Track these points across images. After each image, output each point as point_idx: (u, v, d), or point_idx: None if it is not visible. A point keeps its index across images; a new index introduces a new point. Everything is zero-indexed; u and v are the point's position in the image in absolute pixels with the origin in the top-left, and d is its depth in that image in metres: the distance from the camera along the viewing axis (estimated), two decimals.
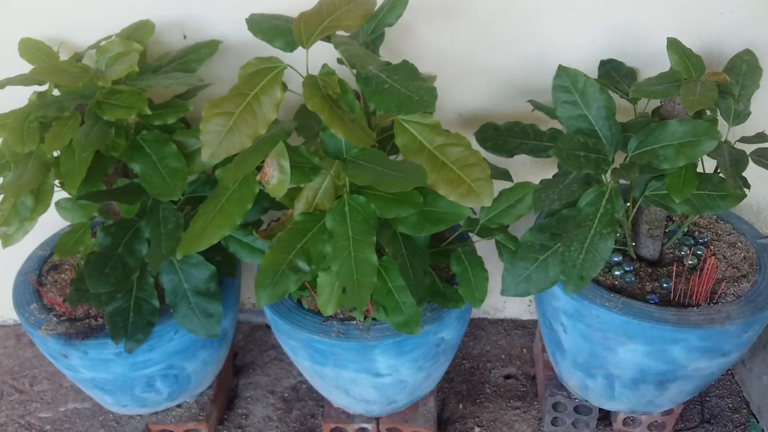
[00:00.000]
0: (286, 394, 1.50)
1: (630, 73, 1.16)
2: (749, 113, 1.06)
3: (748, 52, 1.09)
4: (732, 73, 1.06)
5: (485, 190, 0.88)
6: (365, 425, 1.30)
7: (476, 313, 1.68)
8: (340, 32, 0.93)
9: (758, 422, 1.37)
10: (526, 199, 1.06)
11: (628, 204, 1.13)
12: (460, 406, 1.45)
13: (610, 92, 1.06)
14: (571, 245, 0.91)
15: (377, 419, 1.30)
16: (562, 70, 0.99)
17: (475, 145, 0.98)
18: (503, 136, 1.11)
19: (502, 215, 1.07)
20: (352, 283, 0.92)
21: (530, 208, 1.02)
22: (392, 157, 0.93)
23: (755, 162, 1.03)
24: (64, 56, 1.20)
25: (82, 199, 0.99)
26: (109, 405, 1.30)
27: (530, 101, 1.17)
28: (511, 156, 1.09)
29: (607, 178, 0.96)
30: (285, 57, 0.92)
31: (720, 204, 0.96)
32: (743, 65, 1.07)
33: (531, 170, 1.36)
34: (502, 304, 1.66)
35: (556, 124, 1.10)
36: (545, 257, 0.98)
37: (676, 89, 0.93)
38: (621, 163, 0.96)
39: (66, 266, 1.28)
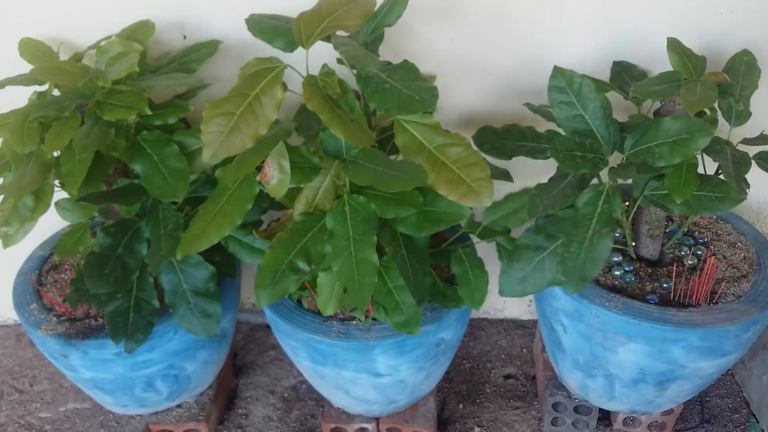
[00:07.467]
0: (286, 394, 1.50)
1: (642, 76, 1.16)
2: (750, 114, 1.06)
3: (746, 53, 1.08)
4: (731, 73, 1.06)
5: (485, 189, 0.88)
6: (365, 425, 1.30)
7: (476, 313, 1.68)
8: (340, 32, 0.93)
9: (758, 422, 1.37)
10: None
11: (627, 204, 1.13)
12: (460, 406, 1.45)
13: (617, 93, 1.05)
14: (571, 246, 0.90)
15: (377, 419, 1.30)
16: (557, 71, 0.98)
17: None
18: (501, 138, 1.11)
19: (507, 218, 1.07)
20: (353, 283, 0.92)
21: None
22: (392, 157, 0.93)
23: (759, 166, 1.03)
24: (64, 56, 1.20)
25: (82, 201, 0.99)
26: (109, 405, 1.30)
27: (526, 104, 1.17)
28: (510, 158, 1.09)
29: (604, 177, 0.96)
30: (285, 57, 0.92)
31: (719, 206, 0.95)
32: (742, 66, 1.07)
33: (530, 172, 1.35)
34: (502, 304, 1.66)
35: (555, 126, 1.09)
36: (541, 258, 0.99)
37: (676, 89, 0.93)
38: (618, 163, 0.96)
39: (66, 266, 1.28)
